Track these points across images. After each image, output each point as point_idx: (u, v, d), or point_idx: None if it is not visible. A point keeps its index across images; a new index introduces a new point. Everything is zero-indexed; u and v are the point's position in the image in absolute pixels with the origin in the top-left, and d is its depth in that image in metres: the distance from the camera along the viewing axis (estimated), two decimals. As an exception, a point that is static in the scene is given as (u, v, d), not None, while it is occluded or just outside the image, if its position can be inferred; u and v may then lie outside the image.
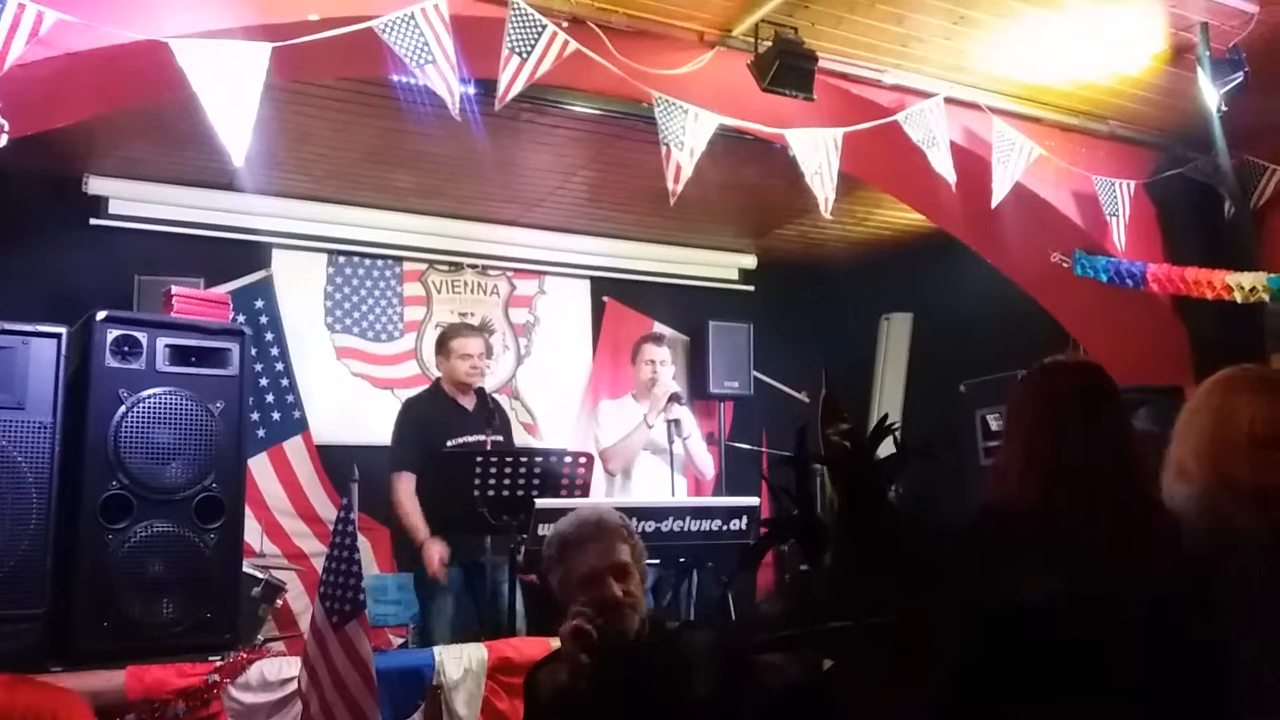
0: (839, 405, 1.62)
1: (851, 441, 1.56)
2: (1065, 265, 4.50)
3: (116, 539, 3.02)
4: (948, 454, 2.16)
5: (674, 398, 4.78)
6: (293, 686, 2.92)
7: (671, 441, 4.71)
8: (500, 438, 4.33)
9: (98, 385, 3.07)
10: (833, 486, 1.54)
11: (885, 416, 1.72)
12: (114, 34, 3.00)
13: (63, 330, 3.06)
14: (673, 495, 4.65)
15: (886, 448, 1.60)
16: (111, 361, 3.11)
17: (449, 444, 4.28)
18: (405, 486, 4.37)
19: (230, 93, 2.99)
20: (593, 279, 6.67)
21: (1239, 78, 3.87)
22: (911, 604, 1.43)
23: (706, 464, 4.99)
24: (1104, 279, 4.47)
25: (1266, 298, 4.27)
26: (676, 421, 4.73)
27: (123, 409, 3.08)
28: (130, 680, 2.86)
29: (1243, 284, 4.25)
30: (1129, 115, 4.73)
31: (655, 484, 4.75)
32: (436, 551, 4.21)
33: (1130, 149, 4.87)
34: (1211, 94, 3.90)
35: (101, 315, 3.12)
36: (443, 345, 4.69)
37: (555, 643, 2.56)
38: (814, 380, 6.44)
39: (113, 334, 3.12)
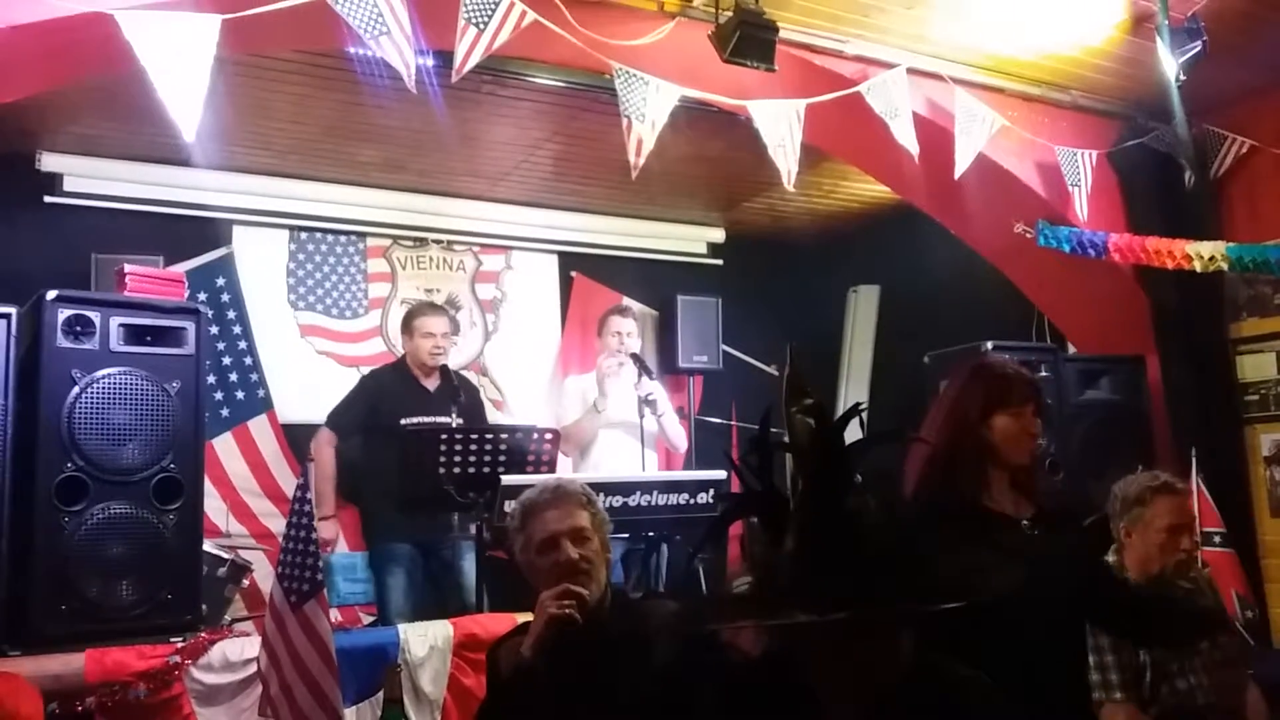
0: (803, 382, 1.61)
1: (816, 418, 1.55)
2: (1028, 236, 4.51)
3: (73, 521, 2.99)
4: (912, 432, 2.29)
5: (644, 370, 4.79)
6: (255, 667, 2.90)
7: (643, 417, 4.71)
8: (463, 420, 4.30)
9: (50, 366, 3.03)
10: (796, 467, 1.53)
11: (857, 405, 1.74)
12: (58, 5, 2.93)
13: (12, 310, 3.00)
14: (643, 470, 4.66)
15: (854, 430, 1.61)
16: (64, 342, 3.06)
17: (404, 422, 4.25)
18: (327, 446, 4.48)
19: (179, 66, 2.91)
20: (560, 254, 6.62)
21: (1197, 46, 3.86)
22: (873, 591, 1.43)
23: (680, 436, 5.02)
24: (1067, 249, 4.47)
25: (1225, 267, 4.30)
26: (651, 399, 4.74)
27: (76, 390, 3.04)
28: (90, 663, 2.84)
29: (1202, 253, 4.28)
30: (1091, 85, 4.73)
31: (626, 458, 4.76)
32: (327, 535, 4.33)
33: (1093, 119, 4.88)
34: (1170, 63, 3.89)
35: (52, 295, 3.07)
36: (407, 324, 4.67)
37: (520, 618, 2.56)
38: (783, 354, 6.43)
39: (64, 314, 3.07)
